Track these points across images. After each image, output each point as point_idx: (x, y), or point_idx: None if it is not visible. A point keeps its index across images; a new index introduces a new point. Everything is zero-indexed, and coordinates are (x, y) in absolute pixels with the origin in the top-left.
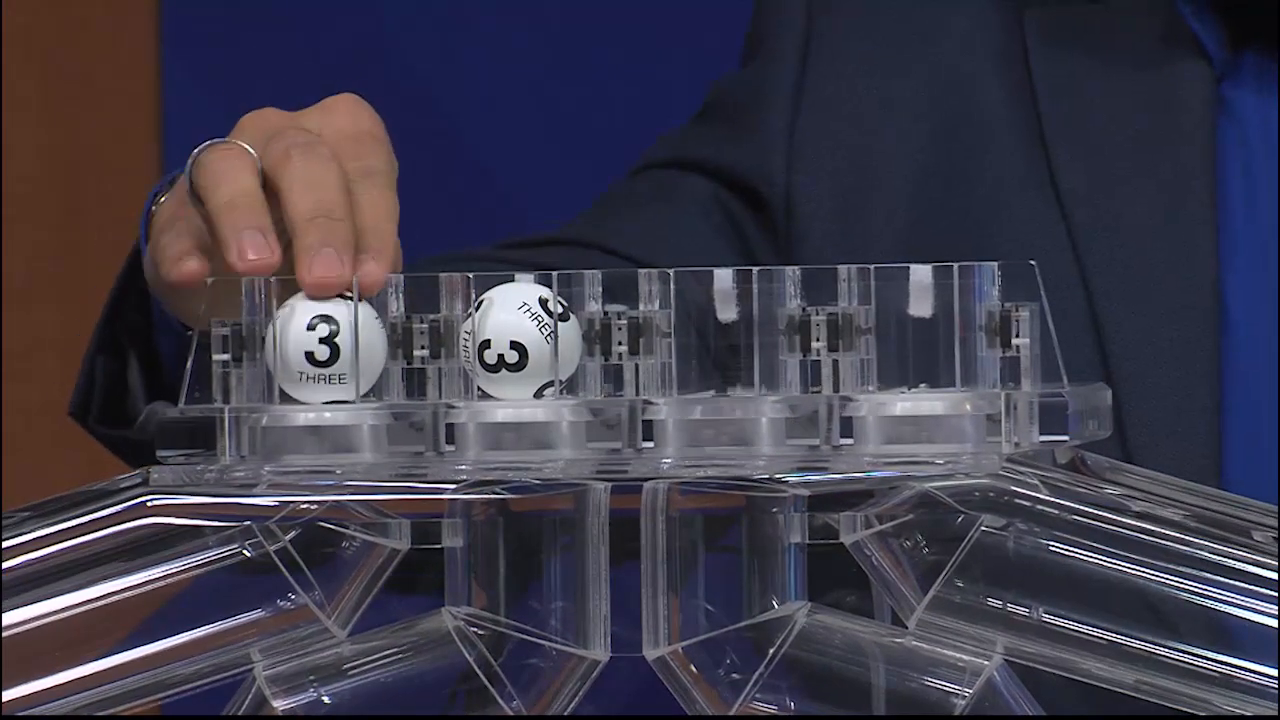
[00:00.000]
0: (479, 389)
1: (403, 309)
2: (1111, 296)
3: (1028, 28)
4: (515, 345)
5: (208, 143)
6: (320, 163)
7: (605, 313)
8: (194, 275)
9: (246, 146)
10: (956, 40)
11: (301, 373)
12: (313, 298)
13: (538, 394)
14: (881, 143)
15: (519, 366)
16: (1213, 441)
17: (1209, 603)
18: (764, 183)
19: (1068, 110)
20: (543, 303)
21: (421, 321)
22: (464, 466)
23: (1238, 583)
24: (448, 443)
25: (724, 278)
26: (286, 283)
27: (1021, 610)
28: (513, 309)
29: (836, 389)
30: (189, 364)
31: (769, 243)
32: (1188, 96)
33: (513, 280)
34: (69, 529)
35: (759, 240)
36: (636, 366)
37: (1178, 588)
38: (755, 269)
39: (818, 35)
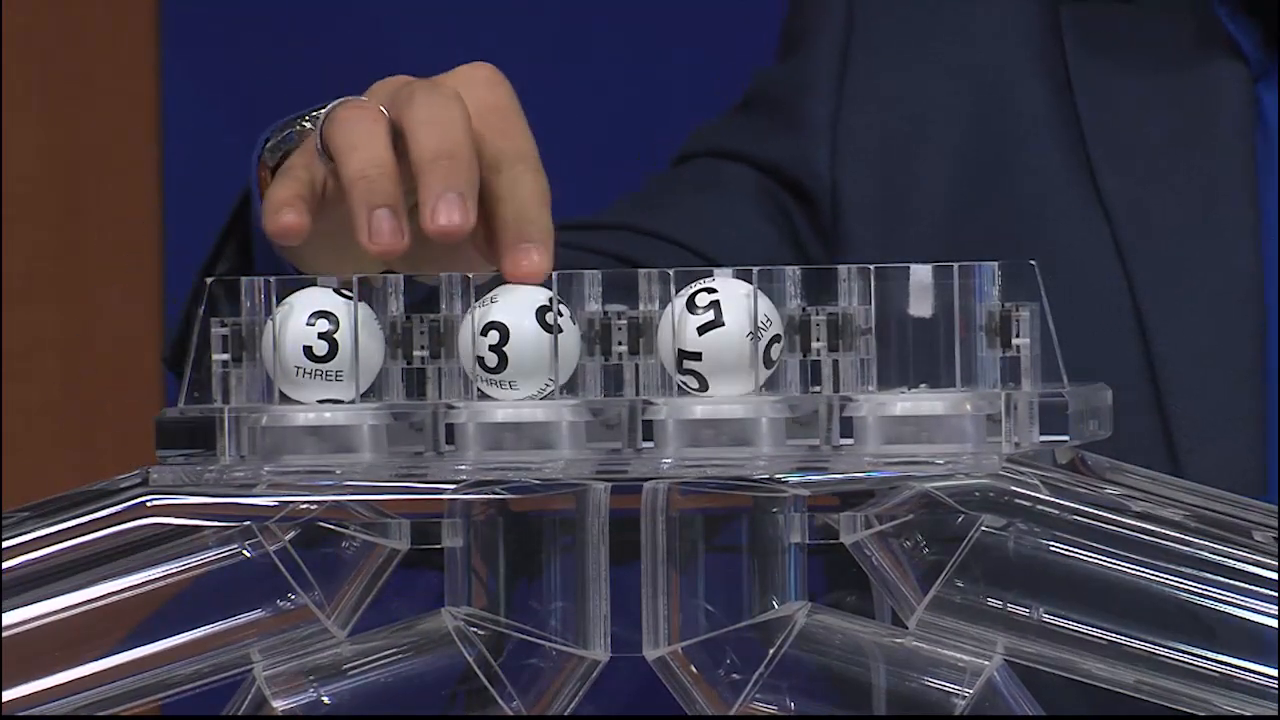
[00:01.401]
0: (479, 389)
1: (403, 309)
2: (1155, 297)
3: (1064, 24)
4: (505, 346)
5: (341, 99)
6: (443, 100)
7: (605, 313)
8: (290, 229)
9: (378, 106)
10: (994, 34)
11: (299, 368)
12: (441, 244)
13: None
14: (922, 137)
15: (500, 368)
16: (1258, 443)
17: (1209, 603)
18: (809, 176)
19: (1105, 109)
20: (544, 307)
21: (421, 321)
22: (464, 466)
23: (1238, 583)
24: (448, 443)
25: (724, 276)
26: (286, 282)
27: (1021, 610)
28: (518, 309)
29: (836, 389)
30: (189, 364)
31: (816, 236)
32: (1225, 97)
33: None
34: (69, 529)
35: (807, 233)
36: (636, 366)
37: (1178, 588)
38: (755, 268)
39: (859, 28)
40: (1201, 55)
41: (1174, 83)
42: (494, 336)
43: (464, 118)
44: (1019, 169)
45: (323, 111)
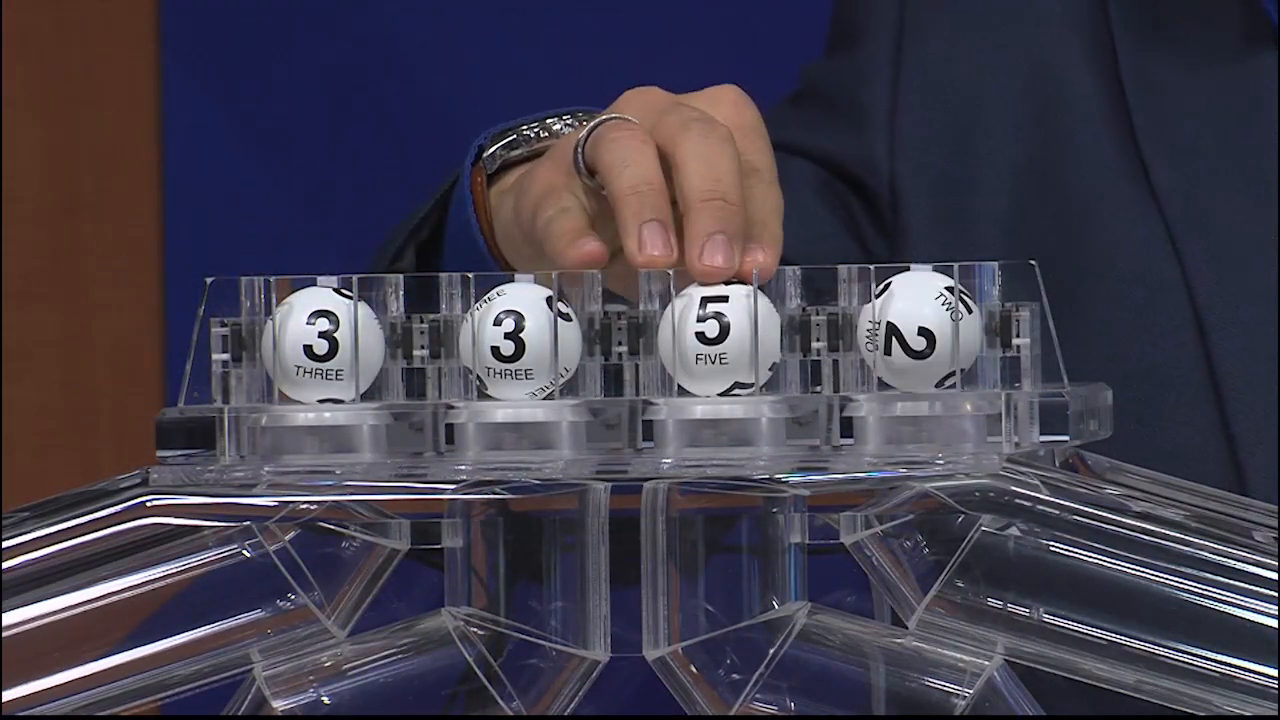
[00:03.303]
0: (480, 389)
1: (403, 309)
2: (1211, 293)
3: (1113, 14)
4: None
5: (604, 116)
6: (719, 142)
7: (605, 313)
8: (594, 257)
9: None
10: (1045, 23)
11: (299, 367)
12: (703, 284)
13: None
14: (979, 131)
15: (516, 356)
16: None
17: (1209, 603)
18: (869, 172)
19: (1155, 102)
20: (551, 298)
21: (421, 321)
22: (464, 466)
23: (1238, 583)
24: (448, 443)
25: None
26: (285, 282)
27: (1021, 610)
28: (528, 298)
29: (836, 389)
30: (189, 363)
31: (876, 230)
32: (1273, 89)
33: (512, 280)
34: (69, 529)
35: (867, 226)
36: (636, 366)
37: (1178, 588)
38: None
39: (911, 21)
40: (1249, 48)
41: (1222, 75)
42: (509, 324)
43: (736, 160)
44: (1072, 161)
45: (583, 131)
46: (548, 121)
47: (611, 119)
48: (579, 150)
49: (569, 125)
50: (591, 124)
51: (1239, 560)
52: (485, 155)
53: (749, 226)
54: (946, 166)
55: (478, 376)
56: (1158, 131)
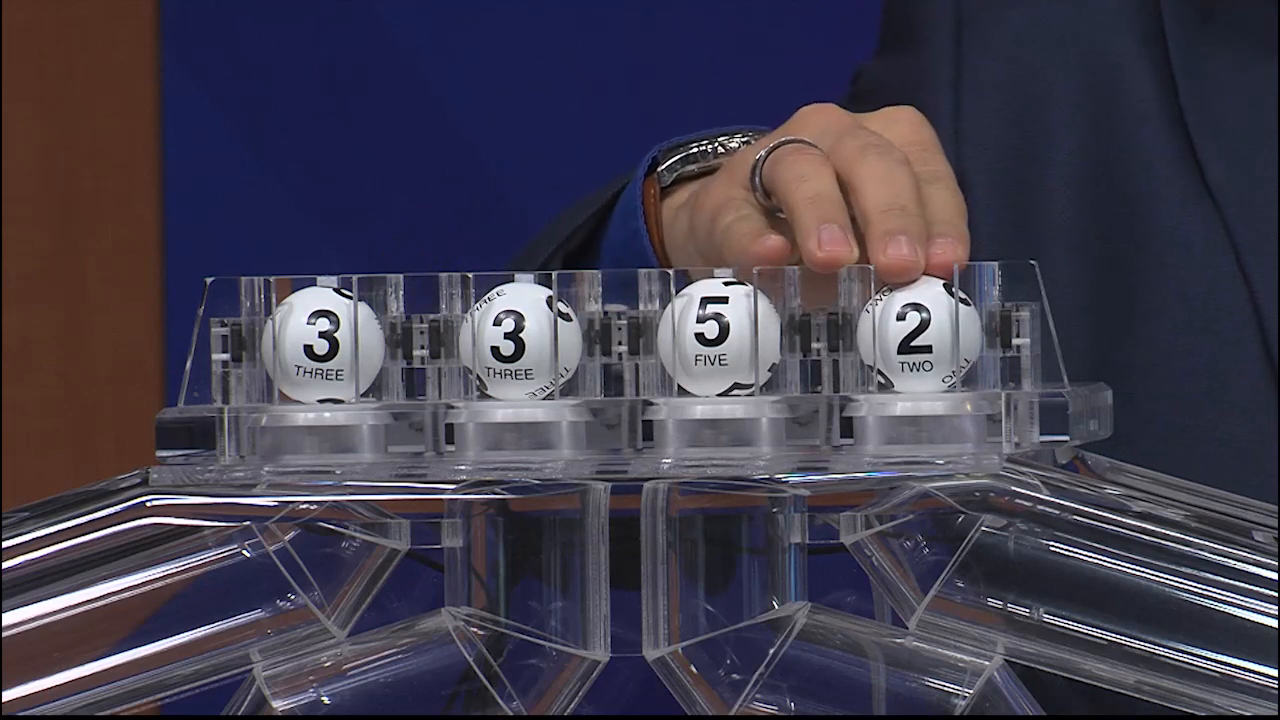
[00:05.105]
0: (480, 389)
1: (402, 309)
2: (1269, 289)
3: (1164, 7)
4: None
5: (782, 139)
6: (896, 164)
7: (605, 313)
8: (778, 249)
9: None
10: (1103, 17)
11: (299, 367)
12: (889, 279)
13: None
14: (1041, 129)
15: (516, 356)
16: None
17: (1209, 603)
18: None
19: (1207, 99)
20: (551, 298)
21: (421, 321)
22: (464, 466)
23: (1238, 583)
24: (448, 443)
25: (724, 276)
26: (285, 283)
27: (1022, 610)
28: (528, 298)
29: (836, 389)
30: (189, 363)
31: None
32: None
33: (513, 280)
34: (69, 529)
35: None
36: (636, 366)
37: (1178, 588)
38: (755, 268)
39: (969, 17)
40: None
41: (1273, 69)
42: (509, 324)
43: (913, 179)
44: (1131, 158)
45: (761, 151)
46: (721, 139)
47: (790, 142)
48: (757, 169)
49: (744, 142)
50: (770, 145)
51: (1239, 560)
52: (661, 169)
53: (933, 226)
54: (1012, 166)
55: (478, 376)
56: (1210, 127)
